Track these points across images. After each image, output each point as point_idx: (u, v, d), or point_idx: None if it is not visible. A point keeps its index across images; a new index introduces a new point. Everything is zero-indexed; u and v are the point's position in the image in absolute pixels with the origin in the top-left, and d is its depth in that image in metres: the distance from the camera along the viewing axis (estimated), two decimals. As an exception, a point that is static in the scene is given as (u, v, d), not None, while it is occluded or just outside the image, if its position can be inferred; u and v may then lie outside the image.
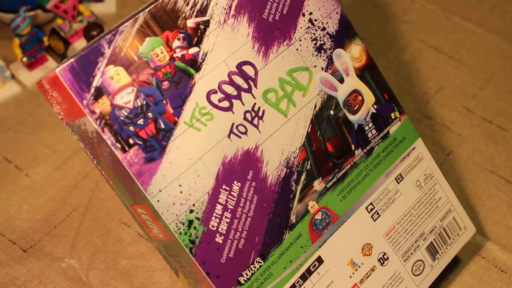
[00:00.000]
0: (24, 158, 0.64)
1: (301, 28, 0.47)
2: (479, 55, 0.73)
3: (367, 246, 0.49)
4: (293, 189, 0.46)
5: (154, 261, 0.56)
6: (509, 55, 0.73)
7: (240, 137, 0.45)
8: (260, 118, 0.45)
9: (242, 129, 0.45)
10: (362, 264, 0.49)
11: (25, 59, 0.69)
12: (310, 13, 0.48)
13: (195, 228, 0.43)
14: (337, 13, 0.49)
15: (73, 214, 0.60)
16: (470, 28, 0.75)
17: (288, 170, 0.46)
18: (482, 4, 0.78)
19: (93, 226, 0.59)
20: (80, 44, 0.73)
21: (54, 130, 0.66)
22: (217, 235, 0.44)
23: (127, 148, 0.41)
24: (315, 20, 0.48)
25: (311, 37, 0.48)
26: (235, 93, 0.44)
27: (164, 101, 0.42)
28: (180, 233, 0.43)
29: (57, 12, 0.72)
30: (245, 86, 0.45)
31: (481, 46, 0.74)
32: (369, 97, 0.50)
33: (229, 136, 0.44)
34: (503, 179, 0.62)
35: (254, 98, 0.45)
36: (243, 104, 0.45)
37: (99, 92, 0.40)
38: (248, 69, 0.45)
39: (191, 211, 0.43)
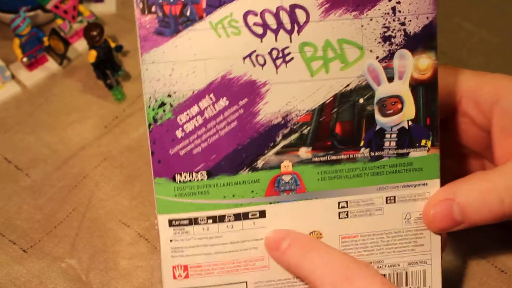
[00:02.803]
0: (24, 158, 0.64)
1: (379, 10, 0.44)
2: (480, 55, 0.73)
3: (317, 234, 0.47)
4: (277, 140, 0.45)
5: (154, 261, 0.56)
6: (510, 56, 0.73)
7: (254, 65, 0.44)
8: (285, 62, 0.44)
9: (261, 61, 0.44)
10: None
11: (25, 59, 0.69)
12: (398, 2, 0.45)
13: (164, 111, 0.44)
14: (427, 18, 0.45)
15: (73, 214, 0.60)
16: (470, 29, 0.75)
17: (282, 121, 0.45)
18: (483, 4, 0.78)
19: (93, 226, 0.59)
20: (80, 44, 0.73)
21: (54, 130, 0.66)
22: (180, 129, 0.44)
23: (146, 12, 0.43)
24: (399, 11, 0.45)
25: (384, 24, 0.45)
26: (274, 26, 0.44)
27: None
28: (149, 107, 0.44)
29: (57, 13, 0.72)
30: (288, 27, 0.44)
31: (481, 46, 0.74)
32: (409, 111, 0.46)
33: (244, 58, 0.44)
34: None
35: (290, 42, 0.44)
36: (276, 41, 0.44)
37: None
38: (300, 14, 0.44)
39: (169, 96, 0.44)
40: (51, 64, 0.71)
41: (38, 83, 0.70)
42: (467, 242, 0.56)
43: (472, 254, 0.57)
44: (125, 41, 0.73)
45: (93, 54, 0.66)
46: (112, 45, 0.69)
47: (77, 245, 0.57)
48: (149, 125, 0.44)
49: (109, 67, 0.68)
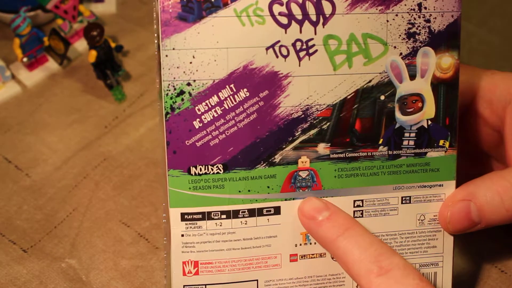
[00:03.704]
0: (24, 158, 0.64)
1: (405, 5, 0.44)
2: (480, 56, 0.73)
3: None
4: (296, 135, 0.44)
5: (154, 261, 0.56)
6: (510, 56, 0.73)
7: (277, 56, 0.43)
8: (309, 54, 0.43)
9: (284, 52, 0.43)
10: (315, 244, 0.46)
11: (25, 59, 0.69)
12: None
13: (182, 99, 0.43)
14: (452, 16, 0.45)
15: (73, 214, 0.59)
16: (470, 29, 0.75)
17: (302, 116, 0.44)
18: (483, 5, 0.78)
19: (93, 226, 0.59)
20: (80, 44, 0.73)
21: (54, 130, 0.66)
22: (198, 119, 0.43)
23: None
24: (425, 8, 0.44)
25: (409, 20, 0.44)
26: (300, 17, 0.43)
27: None
28: (167, 95, 0.43)
29: (57, 12, 0.72)
30: (313, 18, 0.43)
31: (481, 47, 0.74)
32: (429, 110, 0.45)
33: (267, 49, 0.43)
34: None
35: (315, 34, 0.43)
36: (300, 32, 0.43)
37: None
38: (326, 6, 0.43)
39: (189, 84, 0.43)
40: (51, 64, 0.71)
41: (38, 83, 0.70)
42: (467, 242, 0.56)
43: (472, 254, 0.57)
44: (125, 41, 0.73)
45: (93, 54, 0.66)
46: (112, 45, 0.69)
47: (77, 245, 0.57)
48: (166, 114, 0.43)
49: (109, 67, 0.68)
